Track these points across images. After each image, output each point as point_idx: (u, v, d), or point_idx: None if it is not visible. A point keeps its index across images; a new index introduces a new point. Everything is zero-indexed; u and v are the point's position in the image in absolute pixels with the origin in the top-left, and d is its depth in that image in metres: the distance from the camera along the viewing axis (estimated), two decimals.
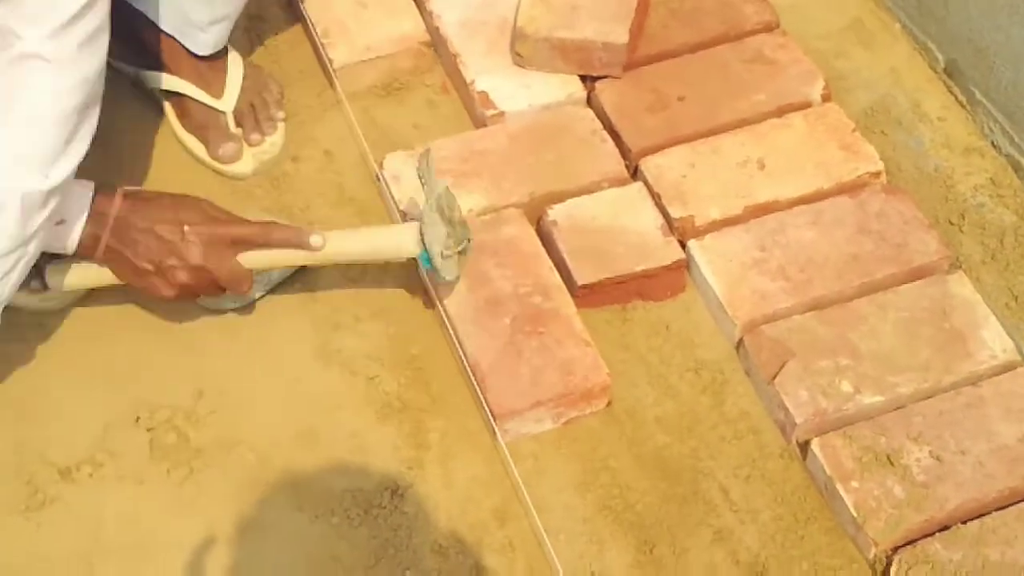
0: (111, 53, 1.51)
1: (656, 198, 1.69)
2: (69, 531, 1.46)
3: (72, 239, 1.43)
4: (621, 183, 1.71)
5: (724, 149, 1.75)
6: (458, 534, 1.49)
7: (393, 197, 1.67)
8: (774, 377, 1.51)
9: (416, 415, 1.56)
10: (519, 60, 1.80)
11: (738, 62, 1.85)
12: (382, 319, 1.65)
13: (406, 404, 1.57)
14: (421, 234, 1.48)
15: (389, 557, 1.46)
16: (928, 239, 1.65)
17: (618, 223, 1.64)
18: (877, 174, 1.72)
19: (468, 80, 1.79)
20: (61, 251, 1.46)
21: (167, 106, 1.83)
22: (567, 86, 1.81)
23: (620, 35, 1.77)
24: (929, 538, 1.41)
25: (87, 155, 1.43)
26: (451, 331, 1.57)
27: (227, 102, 1.80)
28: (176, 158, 1.81)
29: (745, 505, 1.45)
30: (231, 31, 1.77)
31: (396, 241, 1.53)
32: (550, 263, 1.61)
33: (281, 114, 1.84)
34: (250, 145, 1.80)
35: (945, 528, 1.42)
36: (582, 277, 1.58)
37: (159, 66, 1.78)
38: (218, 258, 1.47)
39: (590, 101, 1.82)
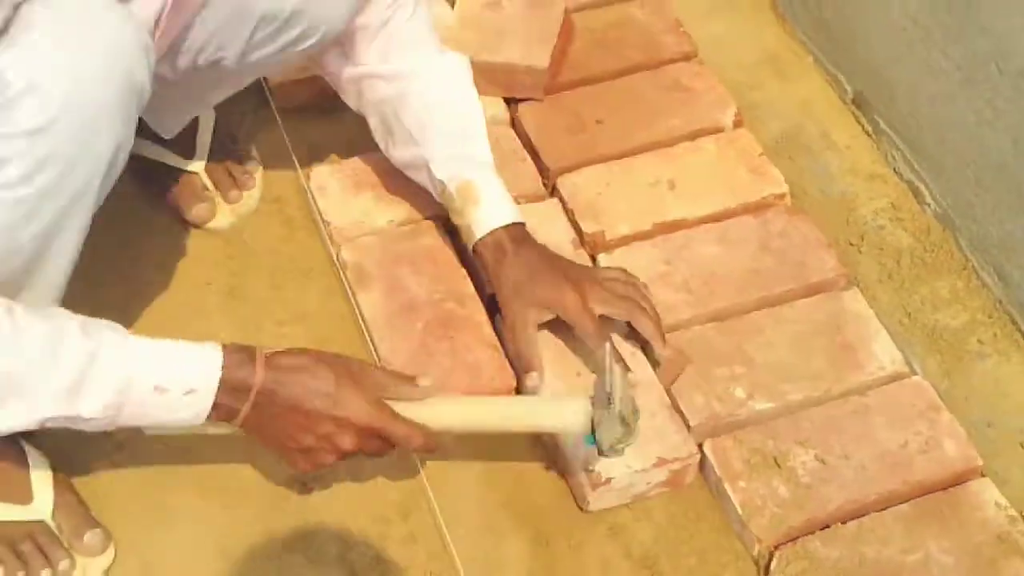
0: None
1: (570, 214, 1.74)
2: None
3: (201, 410, 1.32)
4: (538, 199, 1.76)
5: (637, 169, 1.80)
6: (363, 527, 1.52)
7: (319, 209, 1.74)
8: (671, 383, 1.56)
9: None
10: None
11: (655, 89, 1.91)
12: (303, 323, 1.69)
13: None
14: (592, 419, 1.41)
15: (297, 549, 1.50)
16: (826, 257, 1.70)
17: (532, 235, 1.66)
18: (782, 196, 1.78)
19: None
20: (187, 423, 1.35)
21: (137, 168, 1.75)
22: (491, 107, 1.83)
23: (542, 60, 1.84)
24: (810, 536, 1.46)
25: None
26: (367, 334, 1.61)
27: (198, 163, 1.78)
28: (136, 217, 1.77)
29: (640, 504, 1.50)
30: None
31: (562, 420, 1.45)
32: (464, 272, 1.65)
33: (255, 164, 1.83)
34: (229, 202, 1.78)
35: (826, 527, 1.47)
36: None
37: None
38: (375, 434, 1.39)
39: (513, 123, 1.88)
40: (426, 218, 1.74)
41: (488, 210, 1.56)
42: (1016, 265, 1.73)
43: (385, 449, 1.40)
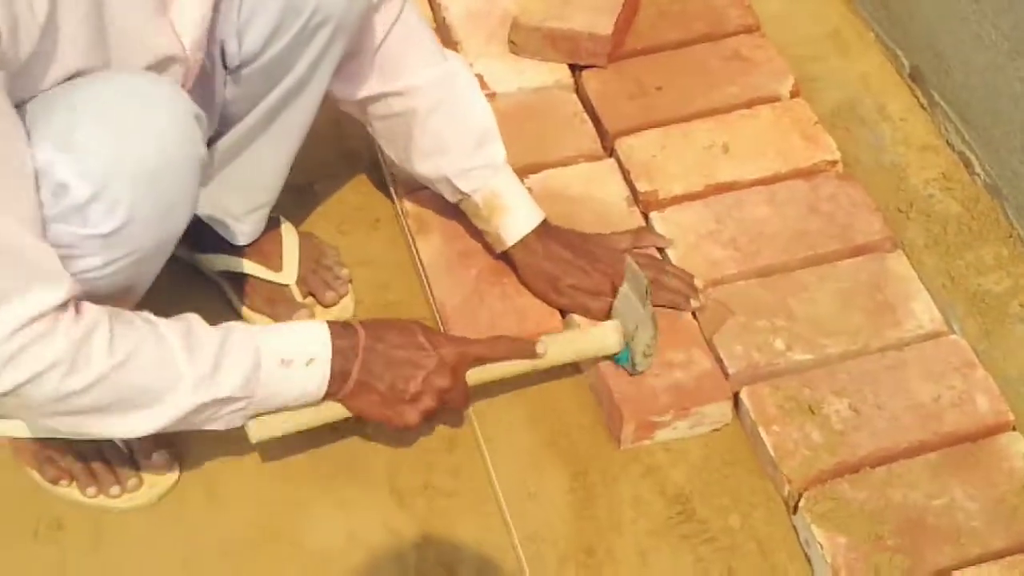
0: None
1: (625, 173, 1.79)
2: None
3: (322, 377, 1.38)
4: (596, 159, 1.82)
5: (693, 134, 1.85)
6: (411, 456, 1.59)
7: (386, 162, 1.80)
8: (714, 333, 1.60)
9: None
10: (514, 48, 1.92)
11: (716, 59, 1.96)
12: (367, 267, 1.76)
13: None
14: (623, 333, 1.54)
15: (348, 471, 1.56)
16: (873, 221, 1.74)
17: (587, 193, 1.74)
18: (834, 163, 1.82)
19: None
20: (311, 397, 1.41)
21: (226, 287, 1.76)
22: (555, 73, 1.92)
23: (605, 27, 1.89)
24: (839, 479, 1.50)
25: None
26: (424, 278, 1.69)
27: (289, 275, 1.74)
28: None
29: (677, 446, 1.55)
30: (267, 217, 1.71)
31: (602, 343, 1.55)
32: None
33: (345, 271, 1.77)
34: (326, 306, 1.73)
35: (855, 472, 1.50)
36: None
37: (214, 247, 1.72)
38: (460, 378, 1.47)
39: (577, 88, 1.92)
40: None
41: (515, 217, 1.61)
42: None
43: (466, 396, 1.48)
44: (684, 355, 1.62)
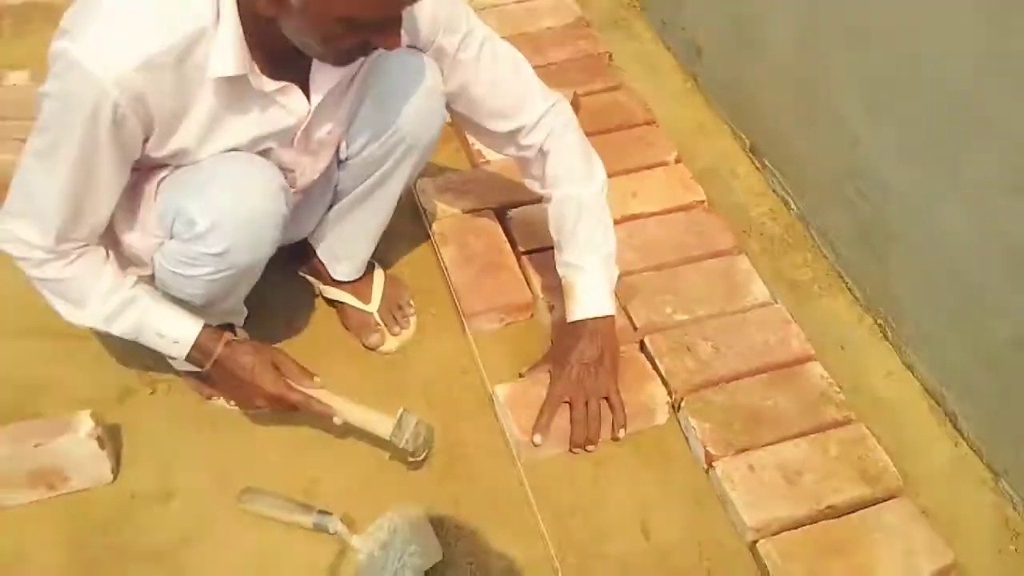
0: (296, 261, 1.65)
1: None
2: None
3: (181, 352, 1.38)
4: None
5: (614, 184, 1.71)
6: (441, 373, 1.64)
7: (421, 202, 1.83)
8: (627, 304, 1.69)
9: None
10: None
11: (628, 141, 2.01)
12: (406, 267, 1.78)
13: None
14: (397, 431, 1.43)
15: (388, 382, 1.60)
16: (726, 237, 1.83)
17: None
18: (702, 202, 1.89)
19: (471, 143, 1.93)
20: (178, 356, 1.40)
21: (335, 305, 1.71)
22: None
23: None
24: (706, 389, 1.59)
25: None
26: (446, 273, 1.74)
27: (374, 306, 1.67)
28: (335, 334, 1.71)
29: None
30: (364, 264, 1.66)
31: (379, 428, 1.44)
32: (505, 239, 1.78)
33: (411, 309, 1.70)
34: (393, 334, 1.66)
35: (716, 385, 1.59)
36: (523, 245, 1.77)
37: (325, 280, 1.69)
38: (280, 405, 1.42)
39: None
40: (484, 208, 1.82)
41: (576, 306, 1.52)
42: (844, 245, 1.80)
43: (287, 408, 1.42)
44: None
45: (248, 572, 1.40)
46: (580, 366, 1.50)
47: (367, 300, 1.67)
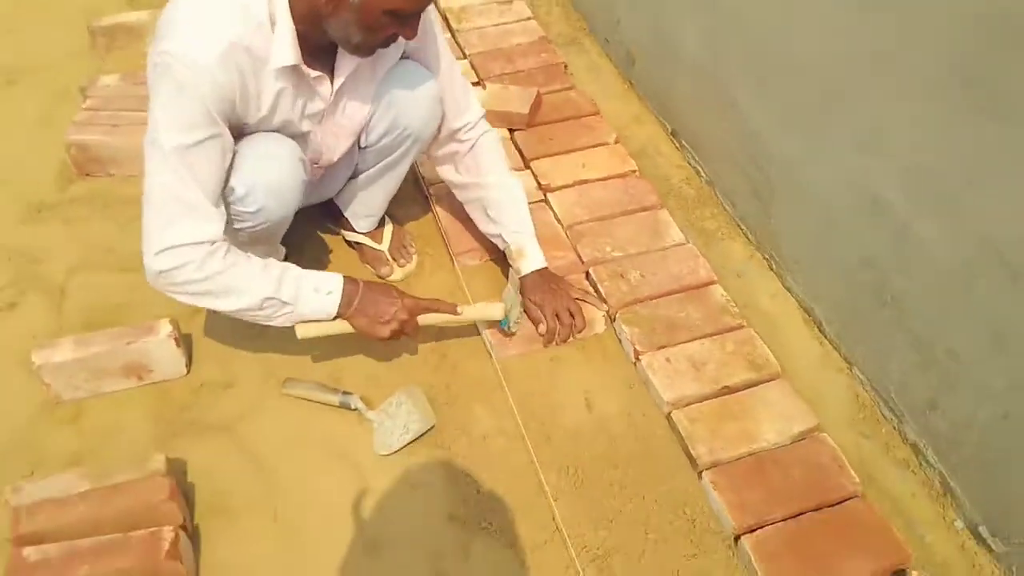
0: (327, 215, 1.64)
1: (535, 176, 1.91)
2: None
3: (334, 303, 1.34)
4: (520, 170, 1.91)
5: (568, 158, 1.95)
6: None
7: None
8: (576, 244, 1.75)
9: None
10: None
11: (578, 127, 2.04)
12: (416, 224, 1.82)
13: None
14: (504, 311, 1.50)
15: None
16: (652, 197, 1.87)
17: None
18: (635, 171, 1.93)
19: None
20: (328, 313, 1.35)
21: (354, 247, 1.74)
22: (502, 132, 1.98)
23: (524, 110, 2.00)
24: (634, 304, 1.64)
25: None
26: (440, 224, 1.81)
27: (384, 247, 1.70)
28: (354, 265, 1.73)
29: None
30: (380, 218, 1.69)
31: (493, 313, 1.51)
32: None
33: (413, 249, 1.72)
34: (399, 266, 1.69)
35: (642, 302, 1.65)
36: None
37: (349, 228, 1.71)
38: (413, 317, 1.41)
39: (512, 138, 2.01)
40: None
41: (528, 262, 1.56)
42: (740, 201, 1.82)
43: (414, 327, 1.41)
44: (562, 254, 1.72)
45: (289, 438, 1.48)
46: (551, 293, 1.56)
47: (379, 241, 1.71)
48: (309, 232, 1.77)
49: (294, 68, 1.25)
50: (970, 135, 1.22)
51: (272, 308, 1.30)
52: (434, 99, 1.44)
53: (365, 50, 1.27)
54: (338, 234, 1.79)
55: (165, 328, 1.52)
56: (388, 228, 1.73)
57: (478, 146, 1.55)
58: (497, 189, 1.57)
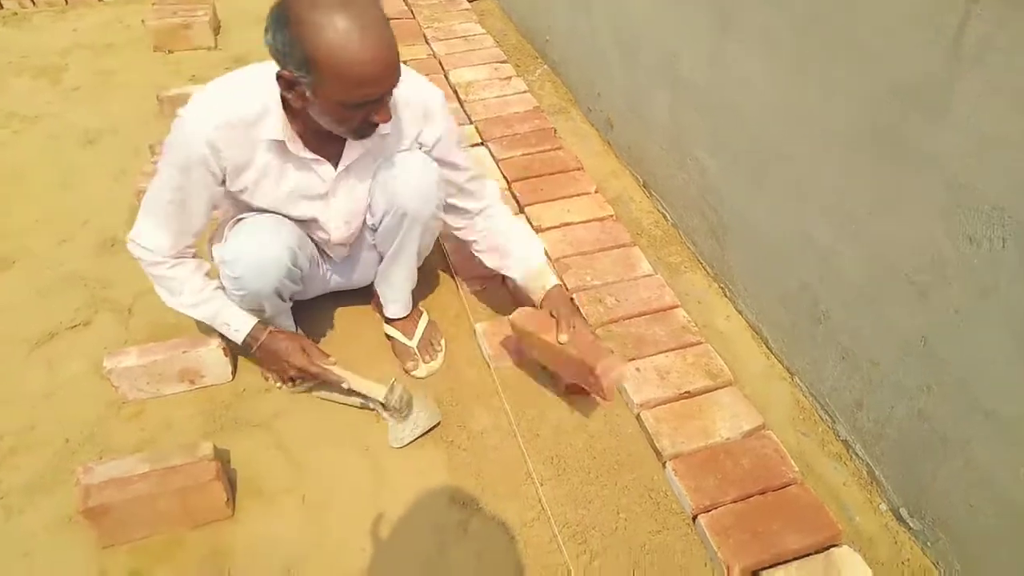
0: (377, 306, 1.55)
1: (527, 219, 1.93)
2: None
3: (239, 338, 1.38)
4: (517, 214, 1.94)
5: (555, 205, 1.98)
6: (439, 321, 1.69)
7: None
8: (563, 276, 1.78)
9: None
10: None
11: (565, 180, 2.07)
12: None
13: None
14: (385, 398, 1.39)
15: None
16: (625, 237, 1.89)
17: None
18: (612, 216, 1.95)
19: None
20: (237, 340, 1.39)
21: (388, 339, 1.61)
22: (501, 182, 2.04)
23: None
24: (611, 324, 1.65)
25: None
26: (450, 261, 1.84)
27: (414, 342, 1.58)
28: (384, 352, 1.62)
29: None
30: (407, 303, 1.57)
31: (376, 393, 1.41)
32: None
33: (440, 347, 1.59)
34: (424, 363, 1.57)
35: (616, 323, 1.66)
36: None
37: (385, 320, 1.62)
38: (302, 374, 1.41)
39: (509, 188, 2.04)
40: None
41: (546, 281, 1.47)
42: (699, 239, 1.85)
43: (309, 378, 1.41)
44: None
45: (318, 432, 1.51)
46: (567, 306, 1.47)
47: (411, 336, 1.59)
48: (357, 313, 1.68)
49: (282, 145, 1.24)
50: (872, 175, 1.28)
51: (197, 315, 1.35)
52: (430, 183, 1.35)
53: (353, 135, 1.22)
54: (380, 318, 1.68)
55: (215, 340, 1.59)
56: (422, 323, 1.60)
57: (488, 209, 1.51)
58: (521, 264, 1.50)
